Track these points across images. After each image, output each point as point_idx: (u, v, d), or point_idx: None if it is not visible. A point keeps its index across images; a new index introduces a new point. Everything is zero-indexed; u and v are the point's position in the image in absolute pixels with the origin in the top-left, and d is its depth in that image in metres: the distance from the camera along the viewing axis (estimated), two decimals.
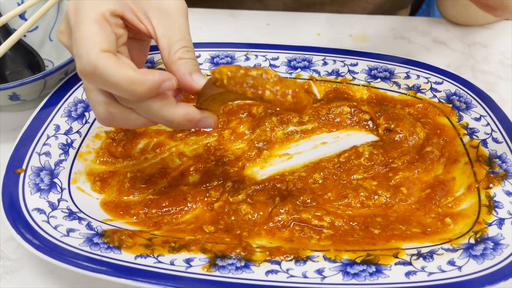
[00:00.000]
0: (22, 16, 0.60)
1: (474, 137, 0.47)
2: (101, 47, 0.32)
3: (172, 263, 0.36)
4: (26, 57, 0.57)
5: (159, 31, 0.36)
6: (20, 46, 0.56)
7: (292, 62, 0.56)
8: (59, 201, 0.41)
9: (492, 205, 0.41)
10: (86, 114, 0.50)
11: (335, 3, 0.74)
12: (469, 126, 0.49)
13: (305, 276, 0.35)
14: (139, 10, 0.36)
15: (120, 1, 0.35)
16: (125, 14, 0.35)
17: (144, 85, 0.32)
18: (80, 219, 0.40)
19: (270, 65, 0.56)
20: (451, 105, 0.51)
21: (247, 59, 0.56)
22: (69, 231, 0.38)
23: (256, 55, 0.57)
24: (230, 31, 0.68)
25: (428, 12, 0.93)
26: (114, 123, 0.37)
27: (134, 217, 0.42)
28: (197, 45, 0.58)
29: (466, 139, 0.48)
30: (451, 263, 0.36)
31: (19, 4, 0.60)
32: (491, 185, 0.42)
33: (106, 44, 0.33)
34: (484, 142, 0.46)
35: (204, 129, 0.50)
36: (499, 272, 0.35)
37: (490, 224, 0.39)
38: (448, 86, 0.53)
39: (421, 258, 0.37)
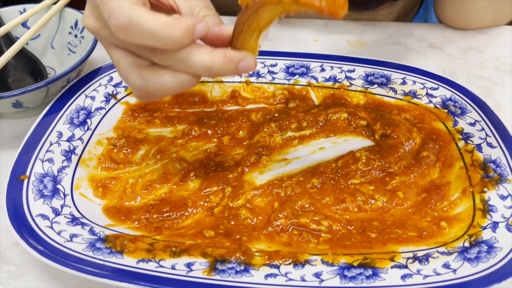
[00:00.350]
0: (24, 24, 0.60)
1: (469, 142, 0.48)
2: (131, 1, 0.33)
3: (173, 267, 0.37)
4: (29, 65, 0.58)
5: (179, 0, 0.37)
6: (23, 54, 0.57)
7: (290, 69, 0.57)
8: (62, 207, 0.42)
9: (487, 209, 0.42)
10: (88, 121, 0.51)
11: None
12: (464, 131, 0.50)
13: (303, 280, 0.36)
14: None
15: None
16: None
17: (180, 28, 0.32)
18: (83, 224, 0.41)
19: (269, 71, 0.57)
20: (446, 111, 0.52)
21: None
22: (72, 236, 0.39)
23: None
24: None
25: (425, 17, 0.94)
26: (150, 90, 0.37)
27: (136, 222, 0.43)
28: None
29: (461, 144, 0.49)
30: (446, 266, 0.37)
31: (21, 12, 0.61)
32: (485, 189, 0.43)
33: (135, 0, 0.34)
34: (478, 147, 0.47)
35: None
36: (493, 274, 0.36)
37: (484, 228, 0.40)
38: (444, 92, 0.54)
39: (416, 261, 0.38)
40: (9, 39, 0.58)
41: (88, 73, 0.55)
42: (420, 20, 0.96)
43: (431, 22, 0.80)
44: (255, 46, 0.36)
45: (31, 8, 0.59)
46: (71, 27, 0.60)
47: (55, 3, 0.60)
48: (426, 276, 0.36)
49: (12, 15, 0.60)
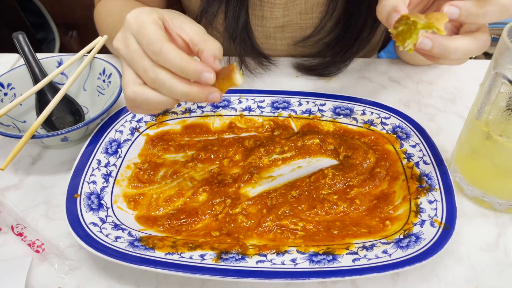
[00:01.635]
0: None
1: (410, 160, 0.63)
2: (164, 36, 0.47)
3: (191, 258, 0.51)
4: (68, 106, 0.73)
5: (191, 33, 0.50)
6: (63, 97, 0.72)
7: (274, 104, 0.72)
8: (106, 217, 0.57)
9: (418, 210, 0.56)
10: (119, 150, 0.66)
11: None
12: (407, 152, 0.65)
13: (283, 264, 0.51)
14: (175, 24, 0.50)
15: (161, 15, 0.49)
16: (165, 22, 0.50)
17: (194, 69, 0.45)
18: (122, 229, 0.55)
19: (258, 106, 0.72)
20: (395, 135, 0.67)
21: (240, 102, 0.73)
22: (117, 237, 0.54)
23: (247, 99, 0.73)
24: None
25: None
26: (137, 101, 0.48)
27: (161, 227, 0.57)
28: None
29: (405, 161, 0.63)
30: (385, 252, 0.52)
31: (58, 62, 0.76)
32: (419, 196, 0.58)
33: (165, 35, 0.47)
34: (417, 164, 0.62)
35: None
36: (416, 257, 0.50)
37: (415, 224, 0.55)
38: (394, 120, 0.69)
39: (364, 249, 0.52)
40: (51, 85, 0.73)
41: (116, 112, 0.70)
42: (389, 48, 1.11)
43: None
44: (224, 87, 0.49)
45: (68, 59, 0.75)
46: (100, 73, 0.75)
47: (87, 53, 0.75)
48: (369, 259, 0.51)
49: (50, 64, 0.75)
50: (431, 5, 0.53)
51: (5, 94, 0.71)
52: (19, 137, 0.61)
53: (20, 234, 0.58)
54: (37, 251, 0.56)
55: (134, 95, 0.48)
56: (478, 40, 0.47)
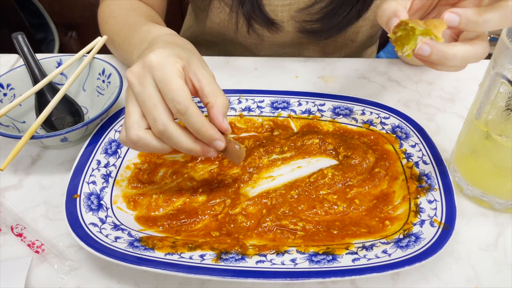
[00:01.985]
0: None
1: (410, 160, 0.63)
2: (190, 96, 0.49)
3: (191, 258, 0.51)
4: (67, 106, 0.73)
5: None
6: (63, 98, 0.72)
7: (274, 104, 0.72)
8: (106, 217, 0.57)
9: (418, 210, 0.57)
10: (119, 150, 0.66)
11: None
12: (407, 152, 0.65)
13: (283, 264, 0.51)
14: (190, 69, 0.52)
15: (183, 62, 0.51)
16: (184, 69, 0.51)
17: (210, 135, 0.50)
18: (122, 229, 0.55)
19: (258, 106, 0.72)
20: (395, 135, 0.67)
21: (239, 102, 0.73)
22: (117, 238, 0.54)
23: (247, 99, 0.73)
24: (225, 75, 0.85)
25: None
26: (137, 144, 0.51)
27: (160, 227, 0.57)
28: None
29: (404, 161, 0.64)
30: (385, 251, 0.52)
31: (58, 62, 0.76)
32: (418, 196, 0.58)
33: (190, 93, 0.50)
34: (416, 164, 0.62)
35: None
36: (416, 256, 0.50)
37: (415, 224, 0.55)
38: (393, 120, 0.69)
39: (364, 249, 0.52)
40: (50, 85, 0.73)
41: (115, 112, 0.69)
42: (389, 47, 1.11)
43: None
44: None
45: (67, 59, 0.75)
46: (99, 74, 0.75)
47: (86, 53, 0.75)
48: (369, 259, 0.51)
49: (50, 64, 0.75)
50: (432, 11, 0.53)
51: (5, 94, 0.71)
52: (19, 138, 0.61)
53: (20, 235, 0.58)
54: (37, 252, 0.56)
55: (137, 139, 0.50)
56: (477, 48, 0.47)
